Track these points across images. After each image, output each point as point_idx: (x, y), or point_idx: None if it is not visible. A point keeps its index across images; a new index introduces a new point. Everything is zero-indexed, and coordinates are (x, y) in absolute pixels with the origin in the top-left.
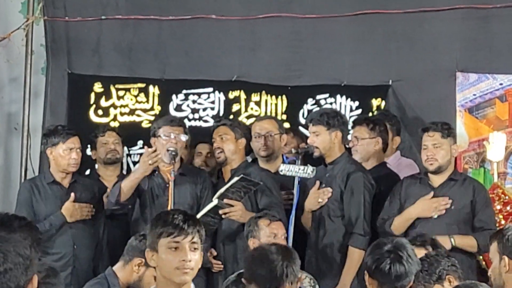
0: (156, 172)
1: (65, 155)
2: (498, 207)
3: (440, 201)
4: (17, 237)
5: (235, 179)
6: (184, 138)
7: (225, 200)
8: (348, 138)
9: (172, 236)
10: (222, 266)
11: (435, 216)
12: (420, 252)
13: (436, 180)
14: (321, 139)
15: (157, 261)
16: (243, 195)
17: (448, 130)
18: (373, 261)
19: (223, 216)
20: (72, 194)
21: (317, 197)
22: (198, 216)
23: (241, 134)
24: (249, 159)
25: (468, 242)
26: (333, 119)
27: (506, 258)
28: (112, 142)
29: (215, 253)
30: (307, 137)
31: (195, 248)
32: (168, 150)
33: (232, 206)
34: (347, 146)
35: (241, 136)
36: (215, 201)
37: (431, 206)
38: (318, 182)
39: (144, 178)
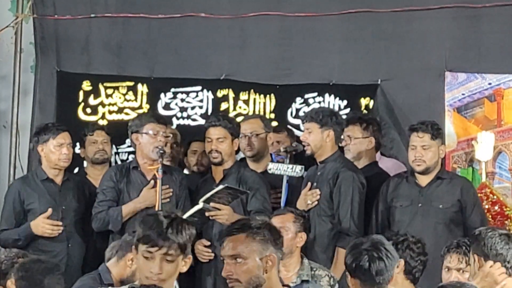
0: (138, 168)
1: (55, 150)
2: (487, 206)
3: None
4: None
5: (220, 187)
6: (169, 136)
7: (212, 204)
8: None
9: (146, 246)
10: (212, 255)
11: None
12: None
13: (423, 179)
14: (313, 136)
15: (137, 262)
16: (231, 200)
17: (437, 131)
18: (352, 260)
19: (210, 218)
20: (49, 211)
21: (307, 199)
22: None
23: (236, 134)
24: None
25: None
26: (327, 118)
27: (476, 257)
28: (101, 141)
29: (207, 243)
30: (298, 136)
31: (168, 260)
32: (156, 147)
33: (218, 209)
34: (340, 145)
35: (236, 137)
36: (200, 205)
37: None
38: (309, 184)
39: (112, 185)
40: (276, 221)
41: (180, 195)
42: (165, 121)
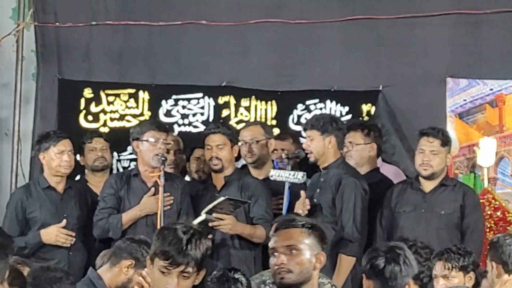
0: (139, 176)
1: (56, 158)
2: (489, 212)
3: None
4: None
5: (221, 199)
6: (170, 143)
7: (214, 214)
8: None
9: (164, 262)
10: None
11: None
12: None
13: (428, 185)
14: (315, 144)
15: (152, 274)
16: (233, 210)
17: (447, 139)
18: (368, 260)
19: (213, 228)
20: (64, 221)
21: (298, 208)
22: None
23: (235, 141)
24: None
25: None
26: (327, 124)
27: (494, 264)
28: (100, 148)
29: (210, 237)
30: (301, 143)
31: (184, 277)
32: (157, 155)
33: (222, 220)
34: (341, 151)
35: (235, 143)
36: (203, 216)
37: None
38: (303, 192)
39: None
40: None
41: (183, 202)
42: (166, 128)
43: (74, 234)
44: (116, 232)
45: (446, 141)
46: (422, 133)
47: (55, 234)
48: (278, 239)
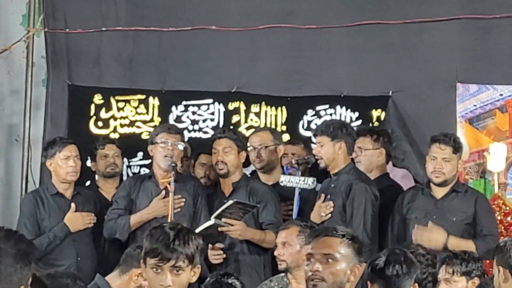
0: (153, 178)
1: (62, 164)
2: (499, 217)
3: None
4: (1, 245)
5: (230, 202)
6: (181, 146)
7: (224, 220)
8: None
9: (155, 259)
10: (224, 255)
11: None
12: None
13: (439, 192)
14: (325, 150)
15: (146, 276)
16: (243, 215)
17: (458, 145)
18: (369, 263)
19: (223, 233)
20: (73, 205)
21: (320, 211)
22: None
23: (243, 146)
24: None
25: (464, 246)
26: (337, 130)
27: (501, 268)
28: (112, 155)
29: (221, 246)
30: (311, 148)
31: (177, 271)
32: (166, 156)
33: (231, 225)
34: (351, 157)
35: (243, 149)
36: (212, 221)
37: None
38: (323, 196)
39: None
40: (280, 235)
41: (198, 205)
42: (177, 130)
43: (93, 214)
44: (123, 233)
45: (457, 148)
46: (433, 139)
47: (78, 218)
48: (316, 246)
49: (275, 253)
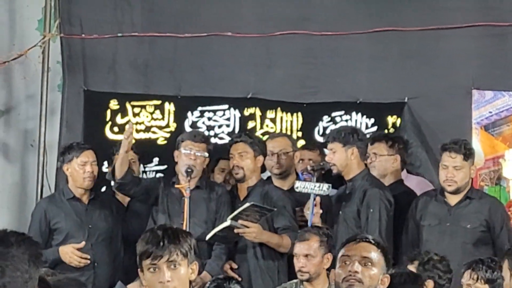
0: (175, 183)
1: (79, 169)
2: None
3: None
4: (14, 252)
5: (247, 204)
6: (205, 155)
7: (240, 221)
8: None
9: (150, 258)
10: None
11: None
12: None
13: (452, 198)
14: (337, 156)
15: (146, 280)
16: (259, 218)
17: (469, 151)
18: None
19: (239, 234)
20: (83, 243)
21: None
22: (210, 234)
23: (259, 151)
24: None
25: None
26: (349, 136)
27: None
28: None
29: (235, 266)
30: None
31: (174, 266)
32: (185, 165)
33: (247, 227)
34: (365, 162)
35: (260, 153)
36: (228, 222)
37: None
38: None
39: (157, 182)
40: (302, 247)
41: (219, 211)
42: (202, 139)
43: (89, 257)
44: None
45: (468, 155)
46: (444, 148)
47: (69, 255)
48: (355, 248)
49: (298, 265)
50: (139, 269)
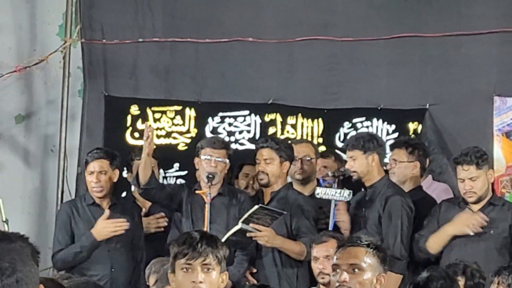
0: (196, 189)
1: (88, 178)
2: None
3: (478, 218)
4: (18, 247)
5: (255, 207)
6: (225, 161)
7: (251, 225)
8: (385, 160)
9: (185, 258)
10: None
11: (471, 233)
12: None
13: (476, 205)
14: (358, 163)
15: (175, 283)
16: (270, 222)
17: (481, 159)
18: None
19: (252, 238)
20: (107, 211)
21: None
22: (224, 238)
23: (286, 156)
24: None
25: None
26: (368, 143)
27: None
28: None
29: (254, 270)
30: (345, 161)
31: (208, 269)
32: (207, 172)
33: (259, 231)
34: (385, 168)
35: (286, 159)
36: (239, 225)
37: (469, 222)
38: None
39: (180, 188)
40: (321, 249)
41: (240, 218)
42: (222, 145)
43: (124, 220)
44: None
45: (481, 163)
46: (455, 162)
47: (104, 227)
48: (342, 256)
49: (319, 267)
50: (169, 271)
